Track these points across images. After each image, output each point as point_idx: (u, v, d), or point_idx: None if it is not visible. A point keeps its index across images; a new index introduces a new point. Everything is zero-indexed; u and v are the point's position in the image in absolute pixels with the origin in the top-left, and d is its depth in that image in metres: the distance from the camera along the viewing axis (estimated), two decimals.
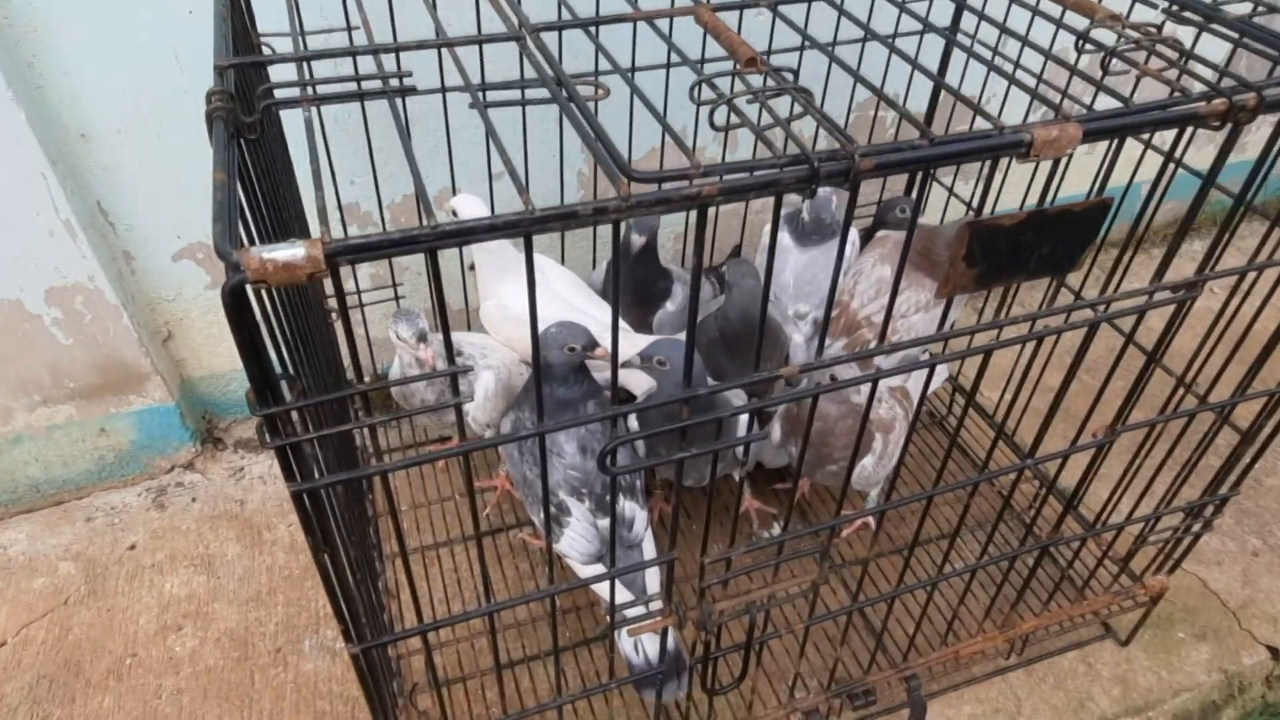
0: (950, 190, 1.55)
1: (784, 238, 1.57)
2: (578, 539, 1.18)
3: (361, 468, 0.63)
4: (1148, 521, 1.17)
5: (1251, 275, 0.96)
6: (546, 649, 1.32)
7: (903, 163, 0.58)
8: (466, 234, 0.50)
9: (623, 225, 1.35)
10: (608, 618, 0.91)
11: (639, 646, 1.11)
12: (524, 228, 0.51)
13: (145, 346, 1.49)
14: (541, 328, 1.20)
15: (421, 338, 1.16)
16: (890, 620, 1.19)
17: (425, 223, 0.49)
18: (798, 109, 0.63)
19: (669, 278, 1.46)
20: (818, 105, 0.62)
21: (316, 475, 0.59)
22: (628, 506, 1.20)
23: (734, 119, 0.61)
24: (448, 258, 1.62)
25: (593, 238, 1.63)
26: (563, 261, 1.50)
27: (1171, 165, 0.93)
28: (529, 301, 0.59)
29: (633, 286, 1.43)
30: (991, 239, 0.66)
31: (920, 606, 1.17)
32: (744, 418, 1.33)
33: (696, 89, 0.62)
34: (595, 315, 1.39)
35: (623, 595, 1.11)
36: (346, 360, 1.43)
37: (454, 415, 0.62)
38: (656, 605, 0.91)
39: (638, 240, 1.34)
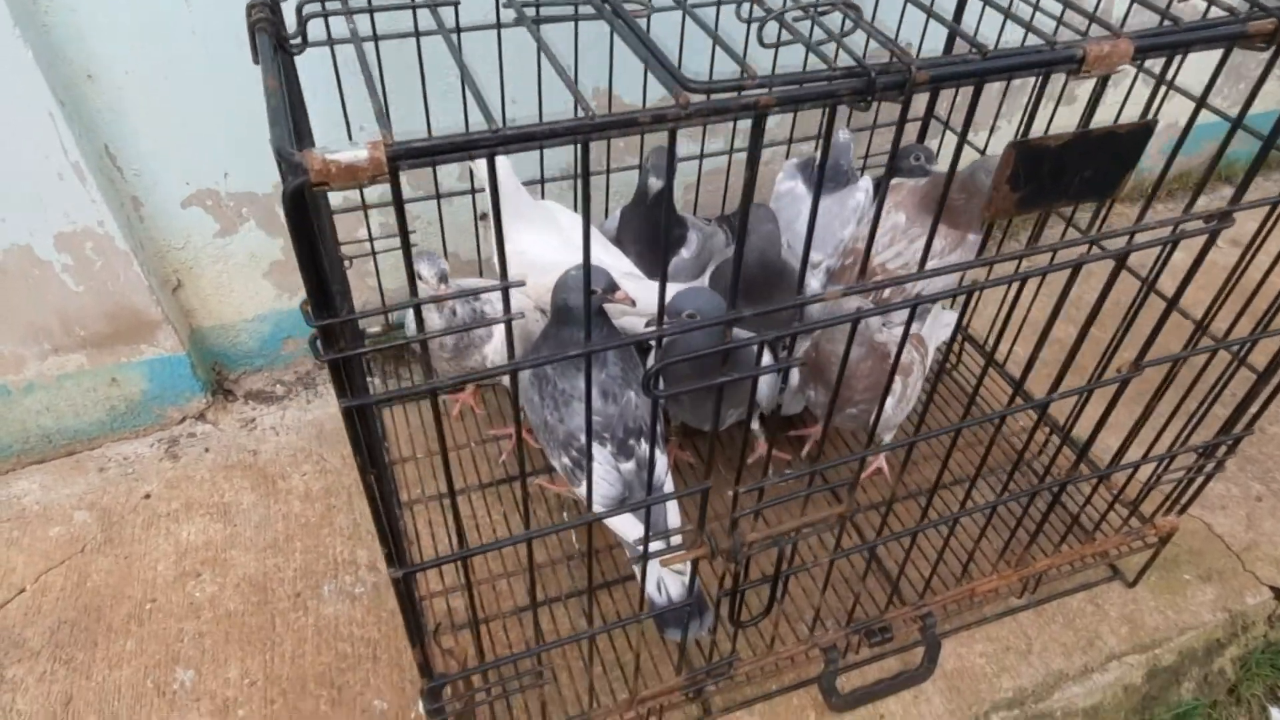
0: (962, 138, 1.54)
1: (798, 187, 1.56)
2: (600, 482, 1.18)
3: (415, 384, 0.63)
4: (1161, 461, 1.18)
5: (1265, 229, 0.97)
6: (568, 591, 1.33)
7: (957, 75, 0.58)
8: (528, 138, 0.50)
9: (644, 173, 1.35)
10: (639, 550, 0.92)
11: (661, 586, 1.12)
12: (583, 134, 0.50)
13: (155, 295, 1.47)
14: (558, 274, 1.21)
15: (443, 278, 1.16)
16: (907, 565, 1.21)
17: (489, 127, 0.48)
18: (848, 25, 0.62)
19: (684, 225, 1.45)
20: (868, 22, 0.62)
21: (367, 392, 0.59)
22: (649, 451, 1.20)
23: (785, 35, 0.61)
24: (459, 208, 1.61)
25: (605, 186, 1.61)
26: (575, 208, 1.49)
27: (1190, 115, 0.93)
28: (581, 226, 0.59)
29: (648, 233, 1.42)
30: (1036, 160, 0.66)
31: (936, 550, 1.19)
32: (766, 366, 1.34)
33: (748, 6, 0.61)
34: (610, 262, 1.39)
35: (641, 535, 1.13)
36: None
37: (473, 360, 0.62)
38: (681, 540, 0.92)
39: (656, 184, 1.33)
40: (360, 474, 0.64)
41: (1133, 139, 0.69)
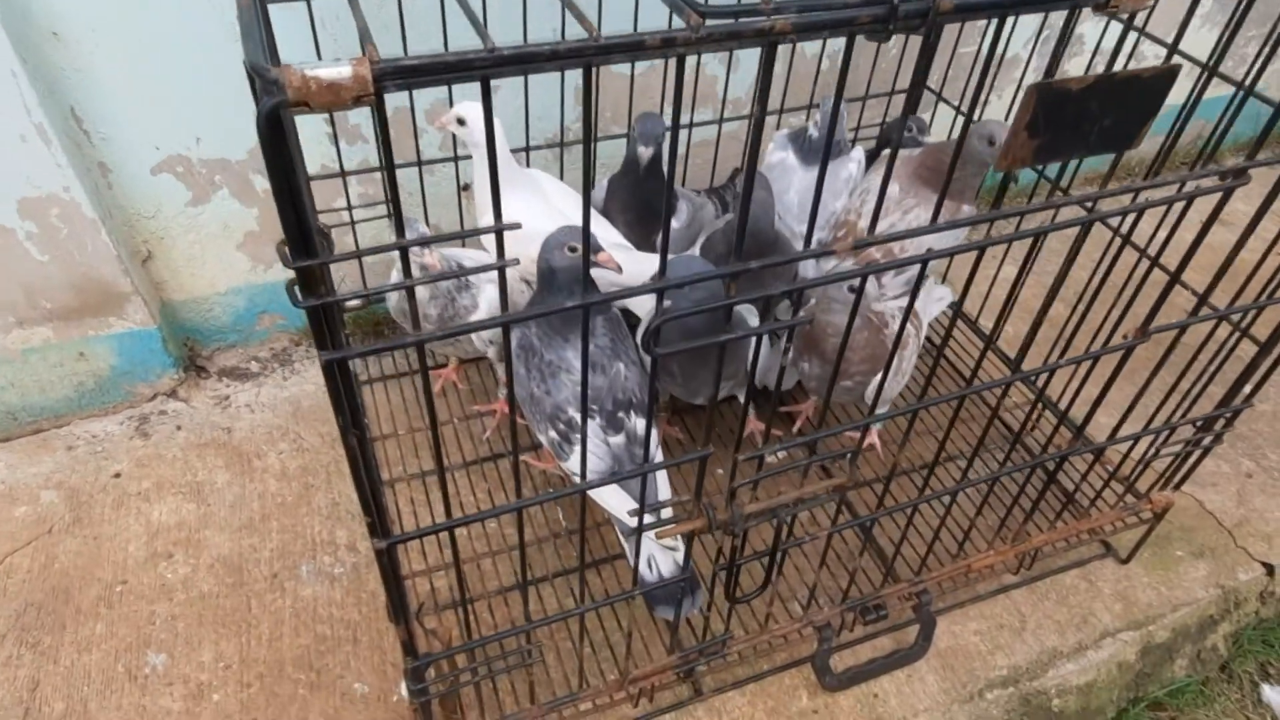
0: (958, 110, 1.52)
1: (789, 158, 1.53)
2: (589, 457, 1.15)
3: (397, 345, 0.58)
4: (1159, 434, 1.17)
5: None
6: (555, 570, 1.30)
7: (984, 5, 0.54)
8: (526, 60, 0.46)
9: (631, 142, 1.30)
10: (629, 526, 0.88)
11: (652, 563, 1.09)
12: (588, 56, 0.46)
13: (125, 265, 1.41)
14: (542, 239, 1.16)
15: (425, 244, 1.11)
16: (903, 542, 1.19)
17: (483, 46, 0.44)
18: None
19: (674, 195, 1.41)
20: None
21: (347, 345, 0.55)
22: (639, 424, 1.17)
23: None
24: (441, 178, 1.56)
25: (593, 155, 1.57)
26: (562, 178, 1.45)
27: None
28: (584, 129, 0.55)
29: (637, 204, 1.38)
30: (1059, 104, 0.63)
31: (931, 527, 1.16)
32: (756, 340, 1.30)
33: None
34: (598, 233, 1.35)
35: (633, 508, 1.09)
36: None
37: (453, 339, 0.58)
38: (674, 513, 0.88)
39: (645, 152, 1.29)
40: (341, 435, 0.60)
41: (1156, 84, 0.66)
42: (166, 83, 1.32)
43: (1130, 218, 1.06)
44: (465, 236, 0.86)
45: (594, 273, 1.16)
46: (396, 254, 1.17)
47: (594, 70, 0.49)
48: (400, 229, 0.51)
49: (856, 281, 1.09)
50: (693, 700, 1.19)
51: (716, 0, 0.49)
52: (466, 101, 1.24)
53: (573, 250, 1.09)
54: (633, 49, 0.47)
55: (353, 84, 0.43)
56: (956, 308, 1.04)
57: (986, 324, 1.69)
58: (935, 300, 1.48)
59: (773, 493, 0.86)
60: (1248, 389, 1.14)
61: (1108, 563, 1.40)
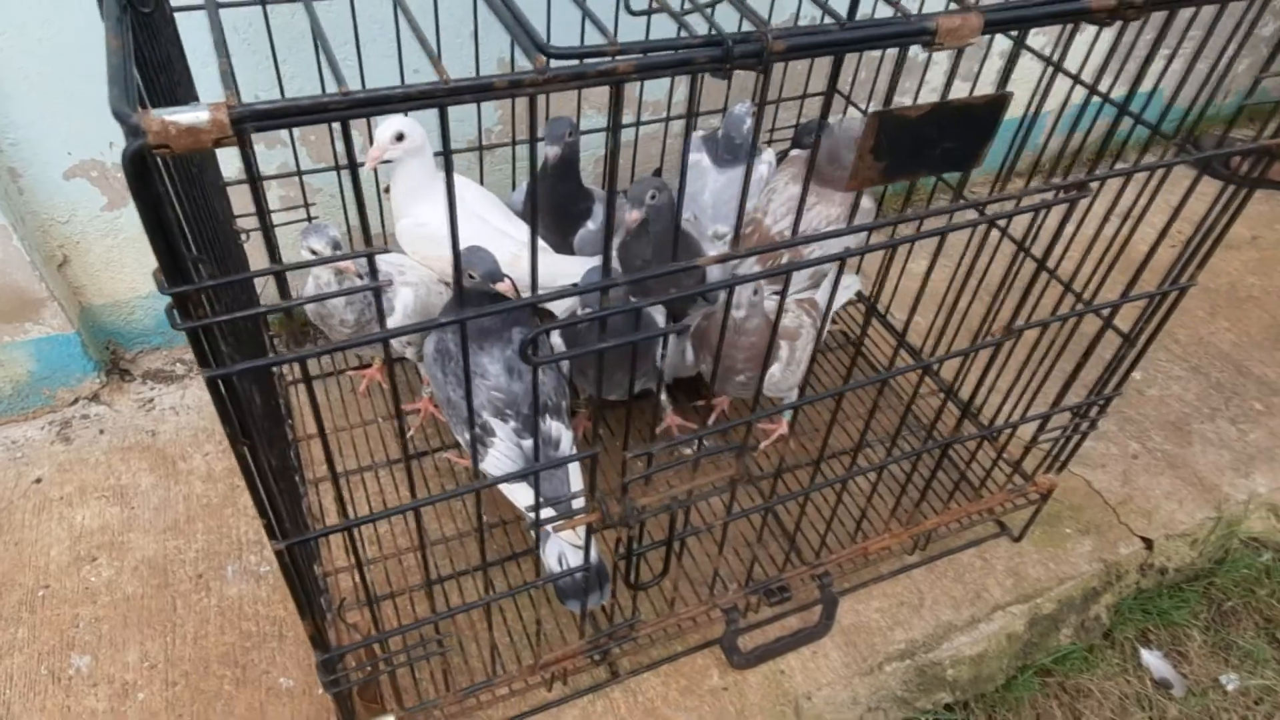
0: (864, 112, 1.59)
1: (703, 159, 1.58)
2: (502, 458, 1.19)
3: (276, 361, 0.62)
4: (1041, 420, 1.25)
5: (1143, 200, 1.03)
6: (475, 564, 1.34)
7: (813, 45, 0.60)
8: (379, 103, 0.50)
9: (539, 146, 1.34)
10: (532, 517, 0.93)
11: (563, 559, 1.14)
12: (439, 98, 0.51)
13: (39, 271, 1.41)
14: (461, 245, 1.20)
15: (336, 248, 1.14)
16: (804, 524, 1.25)
17: (339, 90, 0.48)
18: None
19: (589, 198, 1.46)
20: None
21: (229, 362, 0.59)
22: (554, 426, 1.22)
23: (654, 4, 0.61)
24: (364, 181, 1.58)
25: (512, 159, 1.61)
26: (482, 183, 1.48)
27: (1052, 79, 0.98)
28: (448, 198, 0.59)
29: (552, 206, 1.42)
30: (897, 130, 0.69)
31: (830, 507, 1.23)
32: (663, 337, 1.36)
33: None
34: (514, 235, 1.39)
35: (546, 511, 1.14)
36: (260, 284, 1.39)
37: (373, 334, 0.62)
38: (579, 504, 0.93)
39: (551, 151, 1.33)
40: (231, 445, 0.64)
41: (988, 111, 0.72)
42: (78, 88, 1.32)
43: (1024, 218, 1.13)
44: (339, 260, 0.89)
45: (513, 281, 1.20)
46: (309, 250, 1.18)
47: (447, 111, 0.53)
48: (273, 254, 0.55)
49: (761, 284, 1.15)
50: (610, 683, 1.25)
51: (564, 42, 0.54)
52: (393, 117, 1.26)
53: (470, 277, 1.13)
54: (481, 90, 0.52)
55: (211, 128, 0.46)
56: (869, 302, 1.10)
57: (896, 317, 1.77)
58: (842, 289, 1.55)
59: (677, 485, 0.91)
60: (1117, 377, 1.23)
61: (1002, 542, 1.49)
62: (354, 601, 1.27)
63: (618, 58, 0.55)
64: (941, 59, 1.82)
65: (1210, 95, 0.94)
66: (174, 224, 0.50)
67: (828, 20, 0.61)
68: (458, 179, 1.40)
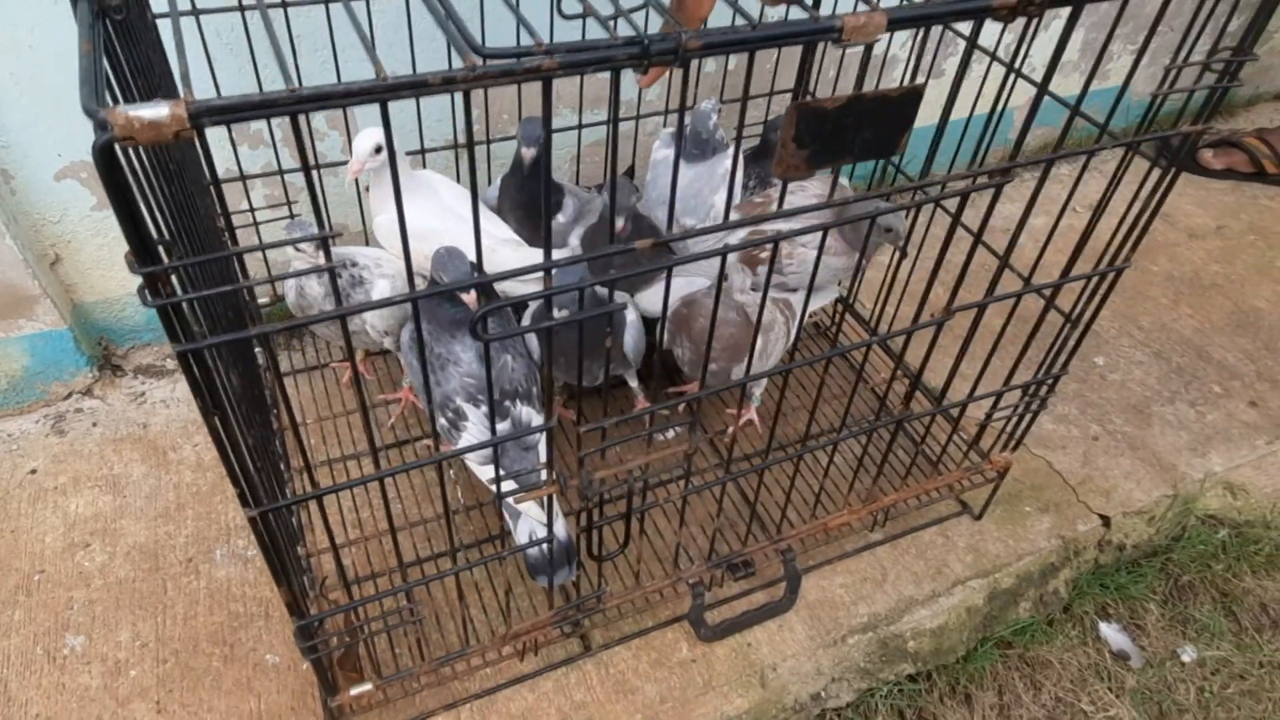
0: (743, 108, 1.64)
1: (671, 154, 1.64)
2: (474, 441, 1.25)
3: (244, 335, 0.68)
4: (994, 398, 1.30)
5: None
6: (454, 546, 1.39)
7: (726, 43, 0.65)
8: (324, 98, 0.55)
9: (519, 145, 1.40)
10: (494, 490, 0.99)
11: (534, 537, 1.20)
12: (378, 94, 0.56)
13: (32, 269, 1.47)
14: (435, 244, 1.26)
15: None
16: (767, 499, 1.30)
17: (287, 87, 0.54)
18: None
19: (560, 192, 1.52)
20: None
21: (200, 337, 0.64)
22: (524, 411, 1.28)
23: (581, 9, 0.67)
24: (344, 179, 1.64)
25: (488, 156, 1.66)
26: (458, 179, 1.53)
27: (1002, 75, 1.04)
28: (392, 182, 0.65)
29: (525, 200, 1.48)
30: (816, 121, 0.74)
31: (789, 478, 1.28)
32: (632, 324, 1.42)
33: None
34: (489, 229, 1.44)
35: (508, 485, 1.19)
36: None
37: (353, 324, 0.68)
38: (541, 478, 0.99)
39: (528, 153, 1.39)
40: (203, 417, 0.69)
41: (904, 102, 0.78)
42: (65, 91, 1.38)
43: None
44: (299, 241, 0.95)
45: (487, 268, 1.26)
46: (291, 250, 1.24)
47: (387, 106, 0.59)
48: (232, 238, 0.61)
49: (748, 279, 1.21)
50: (583, 656, 1.31)
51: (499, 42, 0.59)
52: (369, 129, 1.31)
53: (442, 280, 1.18)
54: (417, 87, 0.57)
55: (171, 122, 0.52)
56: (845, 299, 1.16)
57: (864, 305, 1.82)
58: (821, 295, 1.60)
59: (632, 460, 0.97)
60: (1063, 357, 1.28)
61: (964, 520, 1.54)
62: (336, 583, 1.32)
63: (545, 57, 0.60)
64: (902, 56, 1.87)
65: (1163, 96, 0.97)
66: (141, 210, 0.56)
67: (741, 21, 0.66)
68: (435, 177, 1.46)
